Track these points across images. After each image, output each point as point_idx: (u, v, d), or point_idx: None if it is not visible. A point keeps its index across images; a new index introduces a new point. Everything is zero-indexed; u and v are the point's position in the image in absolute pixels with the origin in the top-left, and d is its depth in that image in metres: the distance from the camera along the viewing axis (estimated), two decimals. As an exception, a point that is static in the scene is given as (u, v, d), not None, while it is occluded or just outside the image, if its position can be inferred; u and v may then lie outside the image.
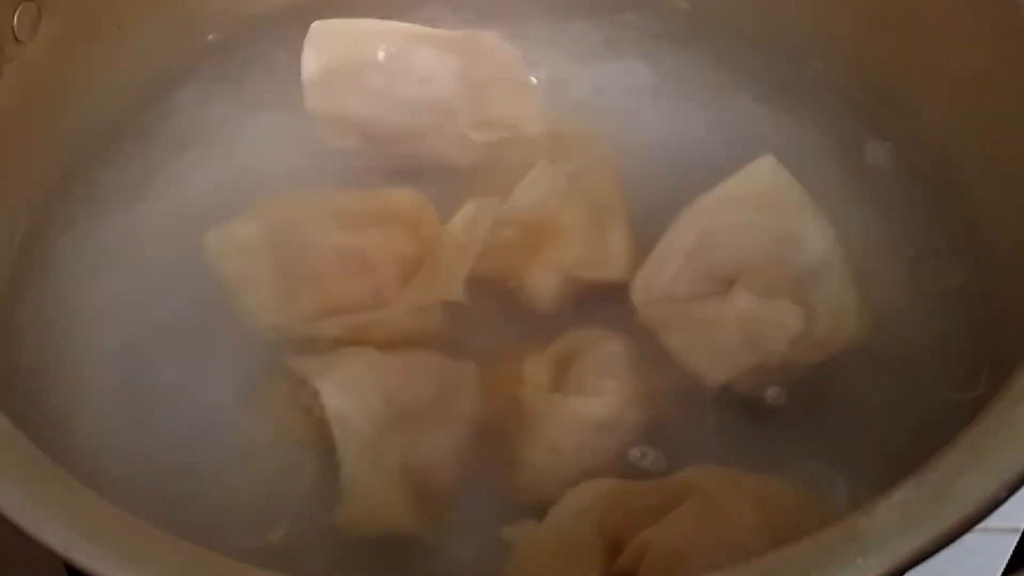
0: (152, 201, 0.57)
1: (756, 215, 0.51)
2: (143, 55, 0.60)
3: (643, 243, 0.52)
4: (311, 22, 0.57)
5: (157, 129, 0.59)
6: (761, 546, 0.41)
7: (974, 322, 0.51)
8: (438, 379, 0.49)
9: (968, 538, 0.34)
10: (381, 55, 0.56)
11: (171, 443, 0.49)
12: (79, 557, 0.34)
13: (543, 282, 0.52)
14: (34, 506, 0.35)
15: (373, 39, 0.56)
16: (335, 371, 0.47)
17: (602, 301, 0.52)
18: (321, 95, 0.56)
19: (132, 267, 0.54)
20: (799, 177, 0.53)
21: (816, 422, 0.49)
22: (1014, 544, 0.54)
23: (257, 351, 0.51)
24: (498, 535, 0.45)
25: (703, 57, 0.61)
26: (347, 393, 0.46)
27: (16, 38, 0.52)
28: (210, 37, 0.62)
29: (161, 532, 0.35)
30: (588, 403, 0.48)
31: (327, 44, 0.56)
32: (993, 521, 0.35)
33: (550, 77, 0.60)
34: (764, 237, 0.51)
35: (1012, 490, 0.35)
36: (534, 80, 0.59)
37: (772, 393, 0.50)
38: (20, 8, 0.52)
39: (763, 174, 0.52)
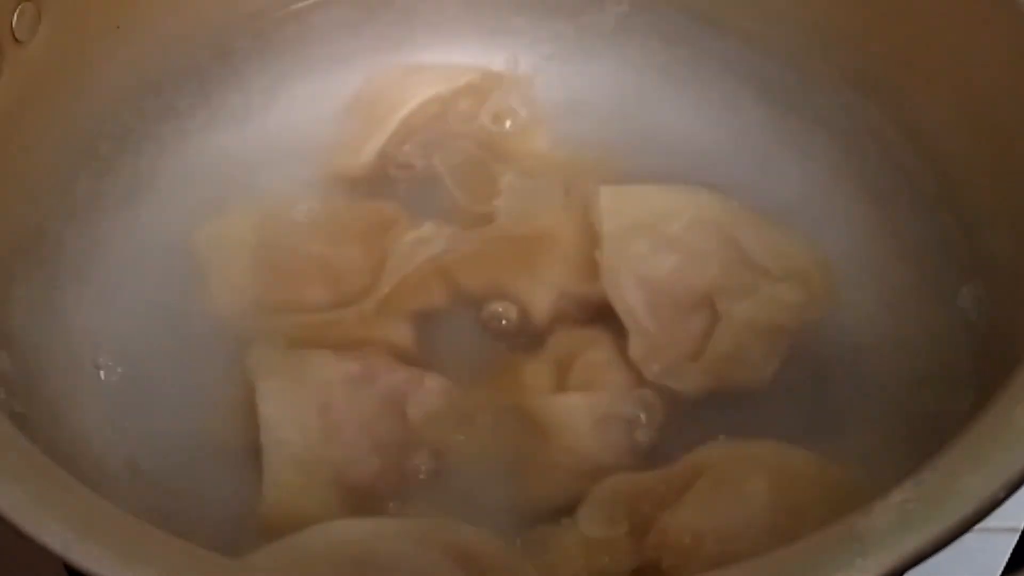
0: (152, 202, 0.57)
1: (659, 239, 0.51)
2: (143, 55, 0.60)
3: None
4: (308, 21, 0.57)
5: (157, 130, 0.59)
6: (775, 518, 0.42)
7: (974, 322, 0.51)
8: (388, 385, 0.48)
9: (968, 538, 0.34)
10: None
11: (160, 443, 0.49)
12: (78, 557, 0.34)
13: (537, 298, 0.51)
14: (33, 506, 0.35)
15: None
16: (278, 375, 0.47)
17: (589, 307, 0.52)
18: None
19: (131, 267, 0.54)
20: (803, 179, 0.53)
21: (816, 422, 0.49)
22: (1014, 544, 0.54)
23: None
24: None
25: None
26: (282, 401, 0.46)
27: (16, 38, 0.52)
28: (210, 37, 0.62)
29: (161, 532, 0.35)
30: (594, 397, 0.48)
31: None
32: (993, 521, 0.35)
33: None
34: (688, 248, 0.51)
35: (1012, 490, 0.35)
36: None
37: (771, 392, 0.50)
38: (20, 8, 0.52)
39: (616, 203, 0.52)
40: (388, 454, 0.47)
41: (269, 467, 0.45)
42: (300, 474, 0.45)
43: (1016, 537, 0.54)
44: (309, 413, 0.46)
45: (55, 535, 0.34)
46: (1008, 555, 0.54)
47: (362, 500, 0.46)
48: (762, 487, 0.43)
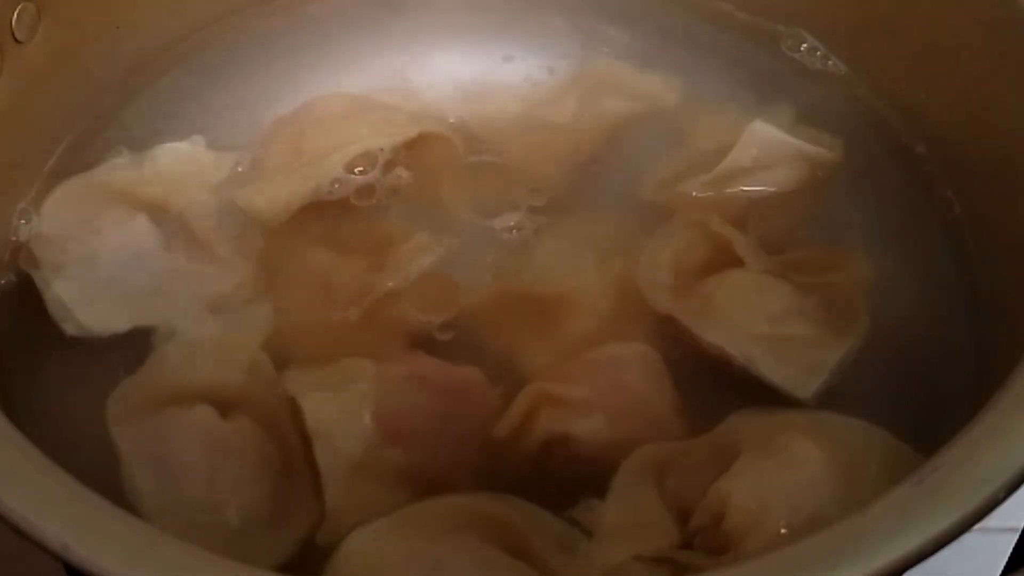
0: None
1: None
2: (142, 56, 0.60)
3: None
4: (304, 20, 0.57)
5: (157, 129, 0.59)
6: (834, 482, 0.42)
7: (974, 321, 0.51)
8: (439, 386, 0.47)
9: (968, 538, 0.34)
10: None
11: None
12: (78, 557, 0.34)
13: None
14: (33, 506, 0.35)
15: None
16: (319, 389, 0.46)
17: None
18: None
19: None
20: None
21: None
22: (1013, 544, 0.54)
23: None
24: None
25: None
26: (330, 412, 0.45)
27: (15, 38, 0.52)
28: (210, 36, 0.62)
29: (160, 532, 0.35)
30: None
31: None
32: (993, 521, 0.35)
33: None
34: None
35: (1011, 490, 0.35)
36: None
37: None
38: (19, 8, 0.52)
39: None
40: (455, 445, 0.46)
41: (330, 477, 0.44)
42: (362, 479, 0.45)
43: (1016, 537, 0.54)
44: (362, 419, 0.45)
45: (55, 535, 0.34)
46: (1008, 555, 0.54)
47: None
48: (817, 453, 0.43)
